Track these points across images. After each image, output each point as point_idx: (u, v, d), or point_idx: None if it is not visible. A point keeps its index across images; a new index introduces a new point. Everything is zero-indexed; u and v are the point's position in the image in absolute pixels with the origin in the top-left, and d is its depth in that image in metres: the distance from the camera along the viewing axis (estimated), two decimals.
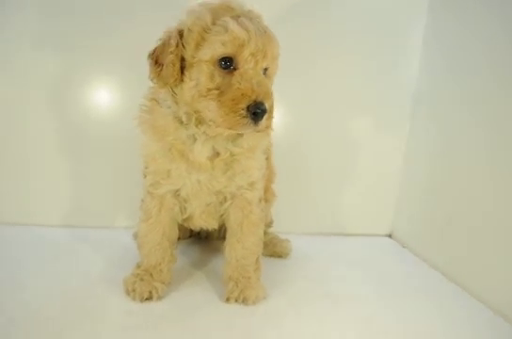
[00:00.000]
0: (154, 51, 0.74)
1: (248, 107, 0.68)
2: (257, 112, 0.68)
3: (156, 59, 0.73)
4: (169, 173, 0.81)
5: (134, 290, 0.81)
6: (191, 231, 1.13)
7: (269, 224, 1.14)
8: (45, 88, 1.19)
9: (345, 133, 1.32)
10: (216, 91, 0.70)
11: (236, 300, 0.83)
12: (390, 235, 1.38)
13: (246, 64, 0.70)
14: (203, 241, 1.16)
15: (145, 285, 0.81)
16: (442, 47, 1.18)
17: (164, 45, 0.73)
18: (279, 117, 1.26)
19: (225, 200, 0.86)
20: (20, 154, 1.21)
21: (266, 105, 0.69)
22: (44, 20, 1.15)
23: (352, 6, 1.25)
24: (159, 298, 0.82)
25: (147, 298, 0.81)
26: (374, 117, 1.32)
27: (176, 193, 0.84)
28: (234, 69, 0.71)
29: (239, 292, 0.83)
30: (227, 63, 0.70)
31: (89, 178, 1.24)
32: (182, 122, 0.77)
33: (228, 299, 0.83)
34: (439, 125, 1.17)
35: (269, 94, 0.71)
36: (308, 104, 1.29)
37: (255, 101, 0.68)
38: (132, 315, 0.76)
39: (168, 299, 0.83)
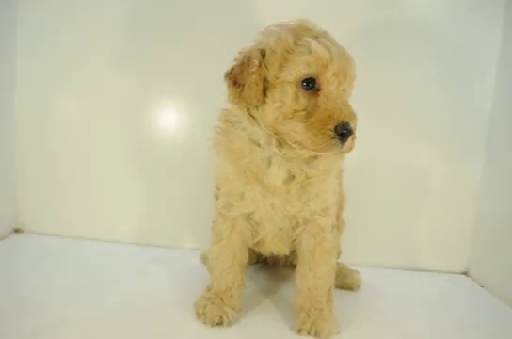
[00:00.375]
0: (232, 71, 0.74)
1: (335, 128, 0.67)
2: (344, 133, 0.68)
3: (235, 80, 0.73)
4: (243, 196, 0.80)
5: (204, 314, 0.80)
6: (258, 256, 1.11)
7: (337, 255, 1.09)
8: (121, 109, 1.24)
9: (416, 161, 1.26)
10: (303, 113, 0.70)
11: (308, 333, 0.79)
12: (465, 273, 1.28)
13: (329, 85, 0.70)
14: (271, 267, 1.13)
15: (216, 310, 0.80)
16: None
17: (243, 65, 0.72)
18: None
19: (297, 225, 0.84)
20: (95, 172, 1.27)
21: (353, 124, 0.69)
22: (122, 42, 1.22)
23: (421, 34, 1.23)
24: (229, 323, 0.80)
25: (217, 323, 0.79)
26: (447, 144, 1.26)
27: (249, 216, 0.83)
28: (317, 90, 0.71)
29: (311, 324, 0.79)
30: (309, 84, 0.70)
31: (160, 198, 1.27)
32: (258, 145, 0.77)
33: (299, 331, 0.79)
34: None
35: (354, 115, 0.71)
36: (377, 129, 1.25)
37: (342, 121, 0.68)
38: None
39: (238, 326, 0.81)
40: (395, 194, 1.27)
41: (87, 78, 1.23)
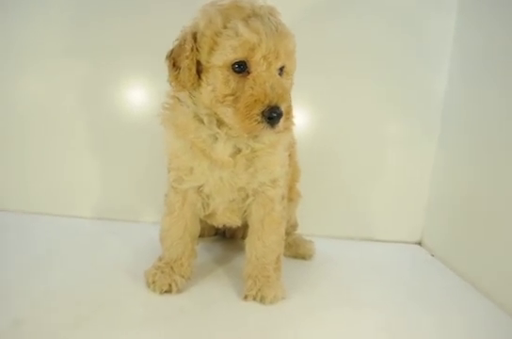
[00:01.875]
0: (172, 53, 0.74)
1: (262, 112, 0.68)
2: (272, 116, 0.68)
3: (174, 62, 0.73)
4: (192, 170, 0.82)
5: (154, 282, 0.82)
6: (217, 229, 1.14)
7: (294, 227, 1.13)
8: (76, 89, 1.24)
9: (377, 137, 1.29)
10: (231, 97, 0.71)
11: (254, 299, 0.82)
12: (419, 243, 1.33)
13: (258, 67, 0.69)
14: (228, 239, 1.16)
15: (165, 278, 0.83)
16: (471, 57, 1.14)
17: (180, 48, 0.73)
18: (309, 115, 1.27)
19: (247, 196, 0.86)
20: (53, 149, 1.26)
21: (282, 108, 0.69)
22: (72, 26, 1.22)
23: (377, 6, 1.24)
24: (178, 291, 0.83)
25: (166, 291, 0.82)
26: (405, 121, 1.29)
27: (199, 189, 0.85)
28: (248, 72, 0.70)
29: (257, 290, 0.82)
30: (241, 67, 0.70)
31: (120, 173, 1.28)
32: (202, 122, 0.78)
33: (246, 297, 0.83)
34: (470, 130, 1.12)
35: (284, 96, 0.70)
36: (340, 105, 1.28)
37: (269, 106, 0.68)
38: (149, 307, 0.77)
39: (187, 293, 0.84)
40: (355, 167, 1.30)
41: (42, 63, 1.24)
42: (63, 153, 1.27)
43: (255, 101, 0.68)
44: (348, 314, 0.82)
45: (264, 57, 0.69)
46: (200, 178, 0.82)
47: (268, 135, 0.76)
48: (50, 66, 1.24)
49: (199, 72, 0.73)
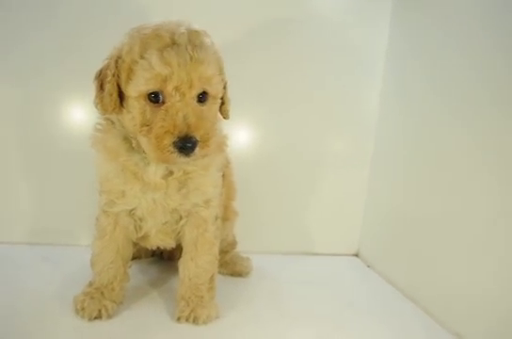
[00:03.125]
0: (100, 73, 0.75)
1: (174, 143, 0.69)
2: (185, 146, 0.69)
3: (101, 83, 0.74)
4: (124, 193, 0.81)
5: (83, 309, 0.80)
6: (153, 250, 1.13)
7: (232, 245, 1.14)
8: (6, 105, 1.20)
9: (313, 153, 1.34)
10: (146, 127, 0.71)
11: (187, 320, 0.82)
12: (356, 255, 1.39)
13: (172, 98, 0.70)
14: (165, 261, 1.15)
15: (94, 304, 0.81)
16: (403, 74, 1.22)
17: (105, 70, 0.73)
18: (246, 133, 1.30)
19: (180, 218, 0.87)
20: None
21: (197, 137, 0.69)
22: None
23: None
24: (109, 316, 0.81)
25: (96, 317, 0.80)
26: (341, 139, 1.35)
27: (131, 212, 0.84)
28: (163, 102, 0.71)
29: (190, 311, 0.83)
30: (156, 97, 0.71)
31: (54, 196, 1.24)
32: (132, 145, 0.79)
33: (178, 319, 0.82)
34: (402, 147, 1.20)
35: (199, 126, 0.70)
36: (273, 122, 1.31)
37: (179, 137, 0.68)
38: (79, 334, 0.75)
39: (119, 319, 0.82)
40: (291, 182, 1.34)
41: None
42: None
43: (165, 132, 0.69)
44: (282, 329, 0.84)
45: (177, 88, 0.69)
46: (132, 201, 0.82)
47: (186, 163, 0.77)
48: None
49: (121, 97, 0.74)
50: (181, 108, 0.70)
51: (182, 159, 0.71)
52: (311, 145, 1.34)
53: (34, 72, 1.19)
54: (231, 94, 0.84)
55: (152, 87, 0.69)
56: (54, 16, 1.18)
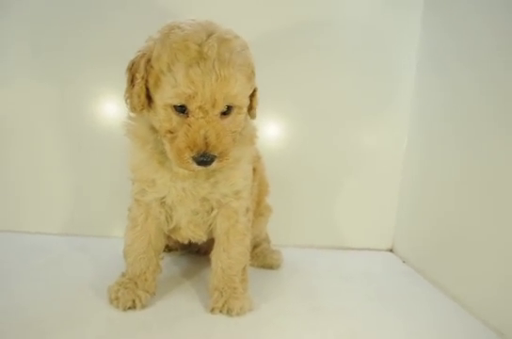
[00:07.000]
0: (132, 66, 0.74)
1: (192, 158, 0.70)
2: (203, 161, 0.71)
3: (132, 77, 0.74)
4: (154, 182, 0.82)
5: (117, 298, 0.81)
6: (189, 245, 1.12)
7: (266, 241, 1.13)
8: (44, 102, 1.24)
9: (347, 147, 1.32)
10: (171, 135, 0.73)
11: (221, 311, 0.81)
12: (391, 250, 1.35)
13: (195, 114, 0.70)
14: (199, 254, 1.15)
15: (128, 294, 0.81)
16: (438, 64, 1.18)
17: (138, 65, 0.73)
18: (279, 127, 1.29)
19: (212, 209, 0.86)
20: (20, 163, 1.25)
21: (215, 153, 0.71)
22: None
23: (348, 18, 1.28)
24: (142, 306, 0.81)
25: (130, 307, 0.80)
26: (374, 131, 1.32)
27: (162, 201, 0.84)
28: (187, 115, 0.71)
29: (223, 302, 0.82)
30: (182, 108, 0.71)
31: (88, 187, 1.26)
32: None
33: (212, 310, 0.82)
34: (438, 136, 1.15)
35: (218, 144, 0.71)
36: (306, 116, 1.30)
37: (198, 153, 0.70)
38: (113, 324, 0.76)
39: (152, 309, 0.82)
40: (325, 176, 1.32)
41: (14, 85, 1.23)
42: (32, 168, 1.25)
43: (186, 147, 0.70)
44: (313, 323, 0.82)
45: (200, 107, 0.69)
46: (162, 189, 0.82)
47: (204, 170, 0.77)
48: (19, 81, 1.23)
49: (150, 98, 0.74)
50: (203, 126, 0.70)
51: (200, 169, 0.73)
52: (343, 139, 1.31)
53: (71, 72, 1.23)
54: (268, 90, 0.84)
55: (177, 101, 0.70)
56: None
